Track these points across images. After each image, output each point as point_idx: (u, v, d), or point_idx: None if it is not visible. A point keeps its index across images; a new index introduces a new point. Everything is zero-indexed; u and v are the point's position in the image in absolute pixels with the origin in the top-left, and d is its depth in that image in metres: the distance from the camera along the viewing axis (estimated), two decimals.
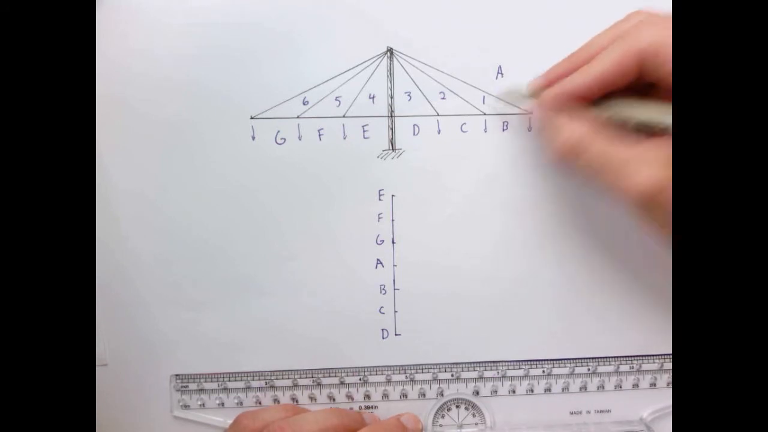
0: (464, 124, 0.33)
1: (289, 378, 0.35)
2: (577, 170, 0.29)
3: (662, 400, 0.36)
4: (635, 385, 0.36)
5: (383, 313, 0.35)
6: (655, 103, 0.28)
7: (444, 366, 0.35)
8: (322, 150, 0.33)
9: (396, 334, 0.35)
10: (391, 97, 0.33)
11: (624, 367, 0.35)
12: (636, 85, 0.30)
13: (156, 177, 0.33)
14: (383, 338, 0.35)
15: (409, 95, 0.33)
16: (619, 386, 0.36)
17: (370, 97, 0.33)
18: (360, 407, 0.35)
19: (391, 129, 0.33)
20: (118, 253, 0.33)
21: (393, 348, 0.35)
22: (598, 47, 0.29)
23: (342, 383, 0.35)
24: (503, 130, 0.33)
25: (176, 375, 0.35)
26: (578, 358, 0.35)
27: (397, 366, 0.35)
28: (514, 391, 0.36)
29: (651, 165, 0.27)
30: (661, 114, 0.27)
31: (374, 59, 0.32)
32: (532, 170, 0.33)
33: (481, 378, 0.35)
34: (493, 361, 0.35)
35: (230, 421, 0.34)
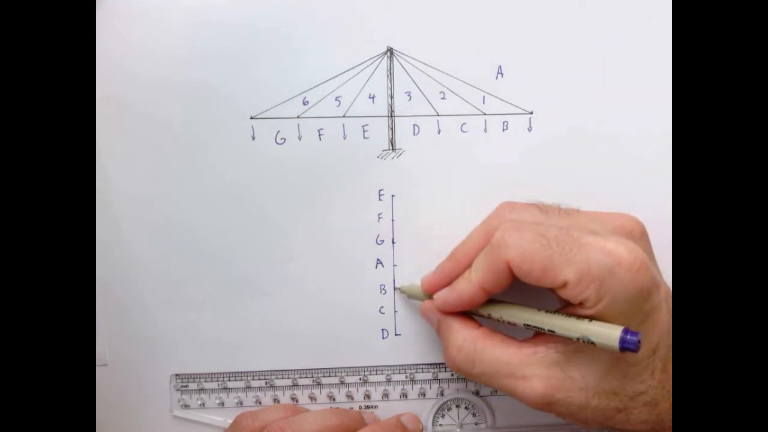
0: (464, 124, 0.33)
1: (289, 378, 0.35)
2: (473, 379, 0.30)
3: None
4: None
5: (383, 313, 0.35)
6: (544, 311, 0.28)
7: (444, 366, 0.35)
8: (322, 150, 0.33)
9: (396, 334, 0.35)
10: (391, 97, 0.33)
11: None
12: None
13: (156, 177, 0.33)
14: (383, 338, 0.35)
15: (409, 95, 0.33)
16: None
17: (370, 97, 0.33)
18: (360, 407, 0.35)
19: (391, 129, 0.33)
20: (118, 253, 0.33)
21: (393, 348, 0.35)
22: (473, 244, 0.30)
23: (342, 383, 0.35)
24: (503, 130, 0.33)
25: (176, 375, 0.35)
26: None
27: (397, 366, 0.35)
28: None
29: (540, 369, 0.27)
30: (547, 319, 0.28)
31: (374, 59, 0.32)
32: (531, 170, 0.33)
33: None
34: None
35: (230, 421, 0.34)
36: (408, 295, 0.34)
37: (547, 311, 0.28)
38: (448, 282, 0.31)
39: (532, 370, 0.27)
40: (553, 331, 0.27)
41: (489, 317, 0.30)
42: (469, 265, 0.30)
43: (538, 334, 0.29)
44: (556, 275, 0.26)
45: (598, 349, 0.26)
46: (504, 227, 0.28)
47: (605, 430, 0.29)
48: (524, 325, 0.29)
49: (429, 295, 0.32)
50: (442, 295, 0.31)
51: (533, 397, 0.27)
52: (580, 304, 0.27)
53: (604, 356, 0.27)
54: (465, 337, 0.30)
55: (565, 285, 0.26)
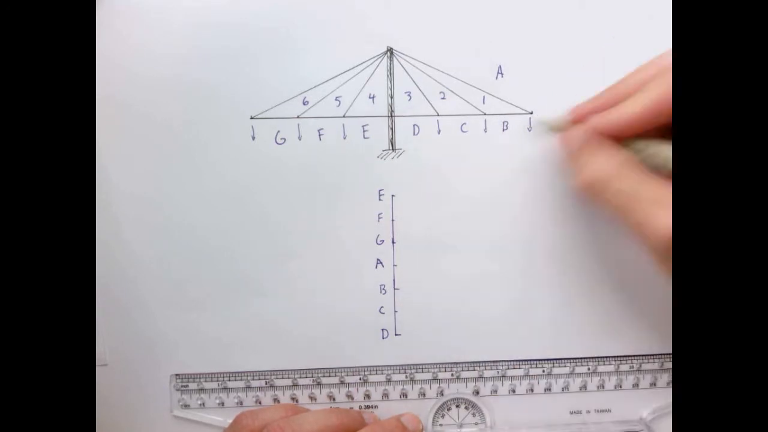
0: (464, 124, 0.33)
1: (289, 378, 0.35)
2: (604, 200, 0.28)
3: (662, 400, 0.36)
4: (635, 385, 0.36)
5: (383, 313, 0.35)
6: None
7: (444, 366, 0.35)
8: (322, 150, 0.33)
9: (396, 334, 0.35)
10: (391, 97, 0.33)
11: (624, 367, 0.35)
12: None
13: (156, 177, 0.33)
14: (383, 338, 0.35)
15: (409, 95, 0.33)
16: (619, 386, 0.36)
17: (370, 97, 0.33)
18: (360, 407, 0.35)
19: (391, 129, 0.33)
20: (118, 253, 0.33)
21: (393, 348, 0.35)
22: (634, 85, 0.29)
23: (342, 383, 0.35)
24: (503, 130, 0.33)
25: (176, 375, 0.35)
26: (578, 358, 0.35)
27: (397, 366, 0.35)
28: (514, 391, 0.36)
29: None
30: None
31: (374, 59, 0.32)
32: (532, 170, 0.33)
33: (481, 378, 0.35)
34: (493, 361, 0.35)
35: (230, 421, 0.34)
36: (547, 126, 0.32)
37: None
38: (604, 110, 0.29)
39: (669, 206, 0.26)
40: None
41: (639, 152, 0.29)
42: (629, 96, 0.28)
43: None
44: None
45: None
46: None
47: None
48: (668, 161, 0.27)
49: (561, 129, 0.31)
50: (602, 115, 0.29)
51: (666, 231, 0.26)
52: None
53: None
54: (615, 154, 0.28)
55: None
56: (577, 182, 0.29)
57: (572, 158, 0.30)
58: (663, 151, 0.28)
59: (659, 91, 0.27)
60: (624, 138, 0.29)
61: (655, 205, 0.26)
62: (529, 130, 0.33)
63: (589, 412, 0.36)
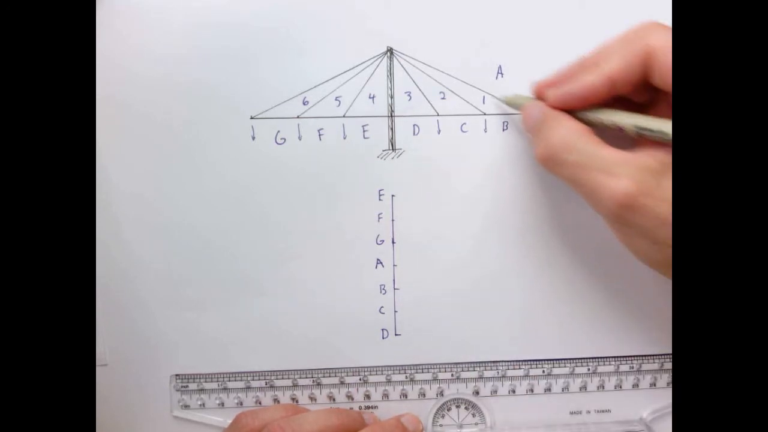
0: (464, 124, 0.33)
1: (289, 378, 0.35)
2: (560, 172, 0.29)
3: (662, 400, 0.36)
4: (635, 385, 0.36)
5: (383, 313, 0.35)
6: (656, 116, 0.28)
7: (444, 366, 0.35)
8: (322, 150, 0.33)
9: (396, 334, 0.35)
10: (391, 97, 0.33)
11: (624, 367, 0.35)
12: (638, 100, 0.30)
13: (156, 177, 0.33)
14: (383, 338, 0.35)
15: (409, 95, 0.33)
16: (619, 386, 0.36)
17: (370, 97, 0.33)
18: (360, 407, 0.35)
19: (391, 129, 0.33)
20: (118, 253, 0.33)
21: (393, 348, 0.35)
22: (607, 52, 0.29)
23: (342, 383, 0.35)
24: (503, 130, 0.33)
25: (176, 375, 0.35)
26: (578, 358, 0.35)
27: (397, 366, 0.35)
28: (514, 391, 0.36)
29: (635, 171, 0.27)
30: (660, 123, 0.27)
31: (374, 59, 0.32)
32: (532, 170, 0.33)
33: (481, 378, 0.35)
34: (493, 361, 0.35)
35: (230, 421, 0.34)
36: (512, 105, 0.32)
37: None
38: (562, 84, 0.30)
39: (626, 170, 0.27)
40: (665, 134, 0.27)
41: (598, 122, 0.29)
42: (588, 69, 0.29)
43: (641, 143, 0.28)
44: None
45: None
46: (648, 24, 0.28)
47: (661, 271, 0.29)
48: (635, 127, 0.28)
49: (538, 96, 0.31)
50: (560, 88, 0.30)
51: (619, 194, 0.26)
52: None
53: None
54: (570, 126, 0.29)
55: None
56: (535, 155, 0.30)
57: (532, 132, 0.31)
58: (621, 120, 0.28)
59: (617, 62, 0.28)
60: (582, 109, 0.29)
61: (606, 173, 0.27)
62: None
63: (589, 412, 0.36)
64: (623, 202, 0.27)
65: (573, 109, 0.30)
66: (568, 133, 0.29)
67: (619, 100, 0.30)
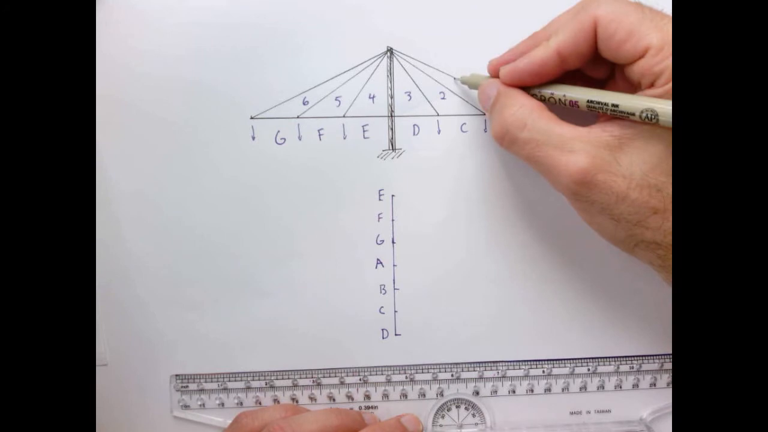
0: (464, 124, 0.33)
1: (289, 378, 0.35)
2: (516, 150, 0.29)
3: (662, 400, 0.36)
4: (635, 385, 0.36)
5: (383, 313, 0.35)
6: (606, 90, 0.28)
7: (444, 366, 0.35)
8: (322, 150, 0.33)
9: (396, 334, 0.35)
10: (391, 97, 0.33)
11: (624, 367, 0.35)
12: (596, 76, 0.30)
13: (156, 177, 0.33)
14: (383, 338, 0.35)
15: (409, 95, 0.33)
16: (619, 386, 0.36)
17: (370, 97, 0.33)
18: (360, 407, 0.35)
19: (391, 129, 0.33)
20: (118, 253, 0.33)
21: (393, 348, 0.35)
22: (557, 26, 0.29)
23: (342, 383, 0.35)
24: None
25: (176, 375, 0.35)
26: (578, 358, 0.35)
27: (397, 366, 0.35)
28: (514, 391, 0.36)
29: (590, 147, 0.27)
30: (611, 96, 0.27)
31: (374, 59, 0.32)
32: (532, 170, 0.33)
33: (481, 378, 0.35)
34: (493, 361, 0.35)
35: (230, 422, 0.34)
36: (469, 84, 0.32)
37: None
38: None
39: (581, 145, 0.27)
40: (617, 106, 0.27)
41: (551, 97, 0.29)
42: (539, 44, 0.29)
43: (597, 119, 0.28)
44: (640, 39, 0.26)
45: (654, 139, 0.26)
46: None
47: (624, 249, 0.29)
48: (587, 102, 0.28)
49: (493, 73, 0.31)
50: (511, 64, 0.29)
51: (575, 171, 0.26)
52: (651, 84, 0.26)
53: (658, 147, 0.26)
54: (523, 103, 0.29)
55: (645, 51, 0.26)
56: (492, 134, 0.30)
57: (487, 112, 0.31)
58: (573, 94, 0.28)
59: (565, 35, 0.28)
60: (534, 85, 0.29)
61: (561, 149, 0.27)
62: None
63: (589, 412, 0.36)
64: (579, 179, 0.26)
65: (526, 86, 0.29)
66: (521, 110, 0.28)
67: (579, 78, 0.30)
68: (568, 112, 0.28)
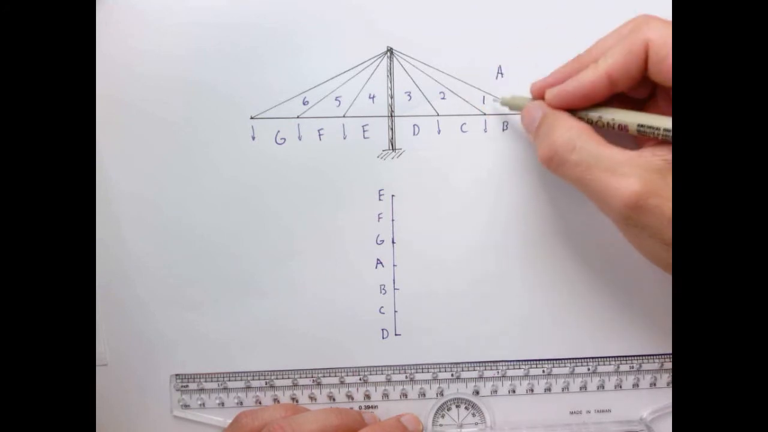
0: (464, 124, 0.33)
1: (289, 378, 0.35)
2: (564, 172, 0.29)
3: (662, 400, 0.36)
4: (635, 385, 0.36)
5: (383, 313, 0.35)
6: (655, 114, 0.28)
7: (444, 366, 0.35)
8: (322, 150, 0.33)
9: (396, 334, 0.35)
10: (391, 97, 0.33)
11: (624, 367, 0.35)
12: (637, 96, 0.30)
13: (156, 177, 0.33)
14: (383, 338, 0.35)
15: (409, 95, 0.33)
16: (619, 386, 0.36)
17: (370, 97, 0.33)
18: (360, 407, 0.35)
19: (391, 129, 0.33)
20: (118, 253, 0.33)
21: (393, 348, 0.35)
22: (603, 48, 0.29)
23: (342, 383, 0.35)
24: (503, 130, 0.33)
25: (176, 375, 0.35)
26: (578, 358, 0.35)
27: (397, 366, 0.35)
28: (514, 391, 0.36)
29: (642, 171, 0.26)
30: (662, 120, 0.27)
31: (374, 59, 0.32)
32: (532, 170, 0.33)
33: (481, 378, 0.35)
34: (493, 361, 0.35)
35: (230, 421, 0.34)
36: (510, 106, 0.32)
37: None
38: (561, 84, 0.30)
39: (632, 169, 0.26)
40: (669, 131, 0.26)
41: (599, 120, 0.29)
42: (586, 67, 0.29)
43: (644, 141, 0.28)
44: None
45: None
46: (645, 18, 0.27)
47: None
48: (637, 126, 0.28)
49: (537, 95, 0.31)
50: (559, 86, 0.29)
51: (627, 195, 0.26)
52: None
53: None
54: (571, 125, 0.28)
55: None
56: (538, 158, 0.29)
57: (532, 134, 0.30)
58: (622, 118, 0.28)
59: (614, 59, 0.28)
60: (582, 108, 0.29)
61: (612, 173, 0.27)
62: None
63: (589, 412, 0.36)
64: (631, 203, 0.26)
65: (573, 108, 0.29)
66: (571, 132, 0.28)
67: (616, 98, 0.30)
68: (608, 134, 0.28)
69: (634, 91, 0.30)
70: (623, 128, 0.28)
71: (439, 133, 0.33)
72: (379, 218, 0.34)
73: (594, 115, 0.29)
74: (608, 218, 0.29)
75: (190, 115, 0.32)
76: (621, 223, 0.28)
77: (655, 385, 0.36)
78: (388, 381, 0.35)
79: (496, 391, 0.36)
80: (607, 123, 0.29)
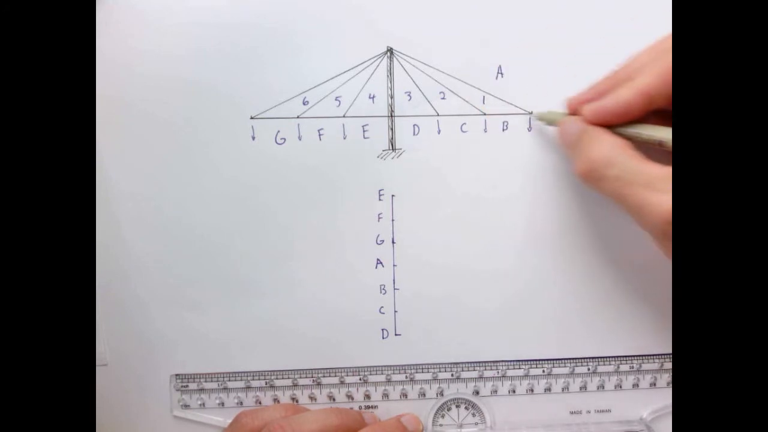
0: (464, 124, 0.33)
1: (289, 378, 0.35)
2: (602, 187, 0.29)
3: (662, 400, 0.36)
4: (635, 385, 0.36)
5: (383, 313, 0.35)
6: None
7: (444, 366, 0.35)
8: (322, 150, 0.33)
9: (396, 334, 0.35)
10: (391, 97, 0.33)
11: (624, 367, 0.35)
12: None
13: (156, 177, 0.33)
14: (383, 338, 0.35)
15: (409, 95, 0.33)
16: (619, 386, 0.36)
17: (370, 97, 0.33)
18: (360, 407, 0.35)
19: (391, 129, 0.33)
20: (118, 253, 0.33)
21: (393, 348, 0.35)
22: (639, 64, 0.29)
23: (342, 383, 0.35)
24: (503, 130, 0.33)
25: (176, 375, 0.35)
26: (578, 358, 0.35)
27: (397, 366, 0.35)
28: (514, 391, 0.36)
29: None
30: None
31: (374, 59, 0.32)
32: (531, 170, 0.33)
33: (481, 378, 0.35)
34: (493, 361, 0.35)
35: (230, 421, 0.34)
36: (546, 121, 0.32)
37: None
38: (598, 99, 0.30)
39: (670, 185, 0.26)
40: None
41: (636, 136, 0.29)
42: (623, 83, 0.29)
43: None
44: None
45: None
46: None
47: None
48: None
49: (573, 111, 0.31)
50: (596, 102, 0.29)
51: (666, 211, 0.26)
52: None
53: None
54: (610, 141, 0.28)
55: None
56: (575, 172, 0.30)
57: (570, 149, 0.31)
58: (660, 135, 0.28)
59: (652, 76, 0.28)
60: (619, 124, 0.29)
61: (651, 189, 0.27)
62: (529, 130, 0.33)
63: (589, 412, 0.36)
64: (669, 218, 0.26)
65: (609, 125, 0.29)
66: (609, 148, 0.28)
67: (654, 111, 0.29)
68: (644, 149, 0.28)
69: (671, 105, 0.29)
70: (661, 144, 0.28)
71: (439, 133, 0.33)
72: (379, 218, 0.34)
73: (632, 131, 0.29)
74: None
75: (190, 115, 0.32)
76: (660, 237, 0.27)
77: (655, 385, 0.36)
78: (388, 381, 0.35)
79: (496, 391, 0.36)
80: (645, 139, 0.29)
